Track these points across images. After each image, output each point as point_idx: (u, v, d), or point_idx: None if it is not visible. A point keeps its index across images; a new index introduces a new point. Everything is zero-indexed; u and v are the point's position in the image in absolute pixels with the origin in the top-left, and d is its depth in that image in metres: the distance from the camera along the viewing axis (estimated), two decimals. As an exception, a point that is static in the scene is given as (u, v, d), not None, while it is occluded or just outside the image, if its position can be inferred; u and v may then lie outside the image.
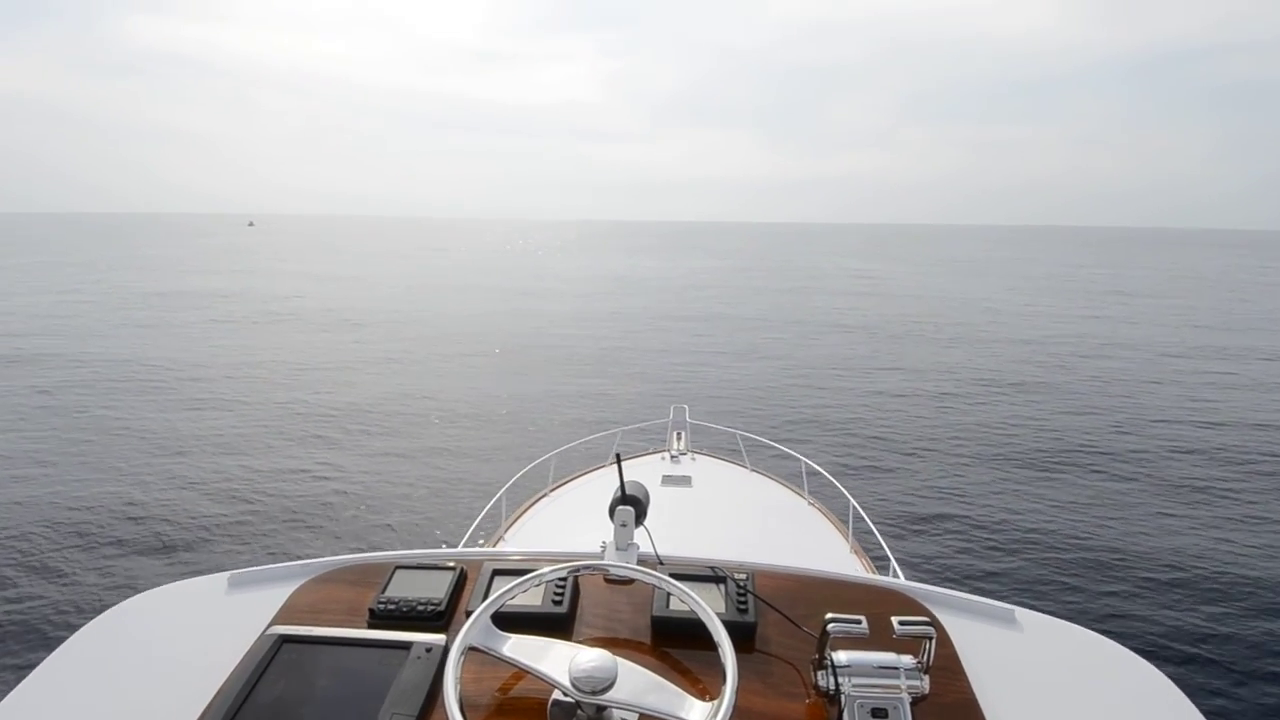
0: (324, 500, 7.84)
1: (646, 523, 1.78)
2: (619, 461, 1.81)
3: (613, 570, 1.47)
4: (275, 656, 1.36)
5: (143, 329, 18.75)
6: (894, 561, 3.11)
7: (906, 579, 2.83)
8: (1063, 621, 1.56)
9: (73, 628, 1.51)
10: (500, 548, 3.36)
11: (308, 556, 1.73)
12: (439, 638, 1.41)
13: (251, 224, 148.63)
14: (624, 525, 1.72)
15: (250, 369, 14.26)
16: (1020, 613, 1.58)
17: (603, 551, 1.73)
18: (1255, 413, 11.47)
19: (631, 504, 1.73)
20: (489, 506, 3.92)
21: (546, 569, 1.44)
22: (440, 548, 3.38)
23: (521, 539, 3.48)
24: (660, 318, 22.86)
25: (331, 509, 7.62)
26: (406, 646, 1.38)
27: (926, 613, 1.55)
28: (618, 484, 1.78)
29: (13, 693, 1.31)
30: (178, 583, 1.68)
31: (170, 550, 6.71)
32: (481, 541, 3.77)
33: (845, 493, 3.90)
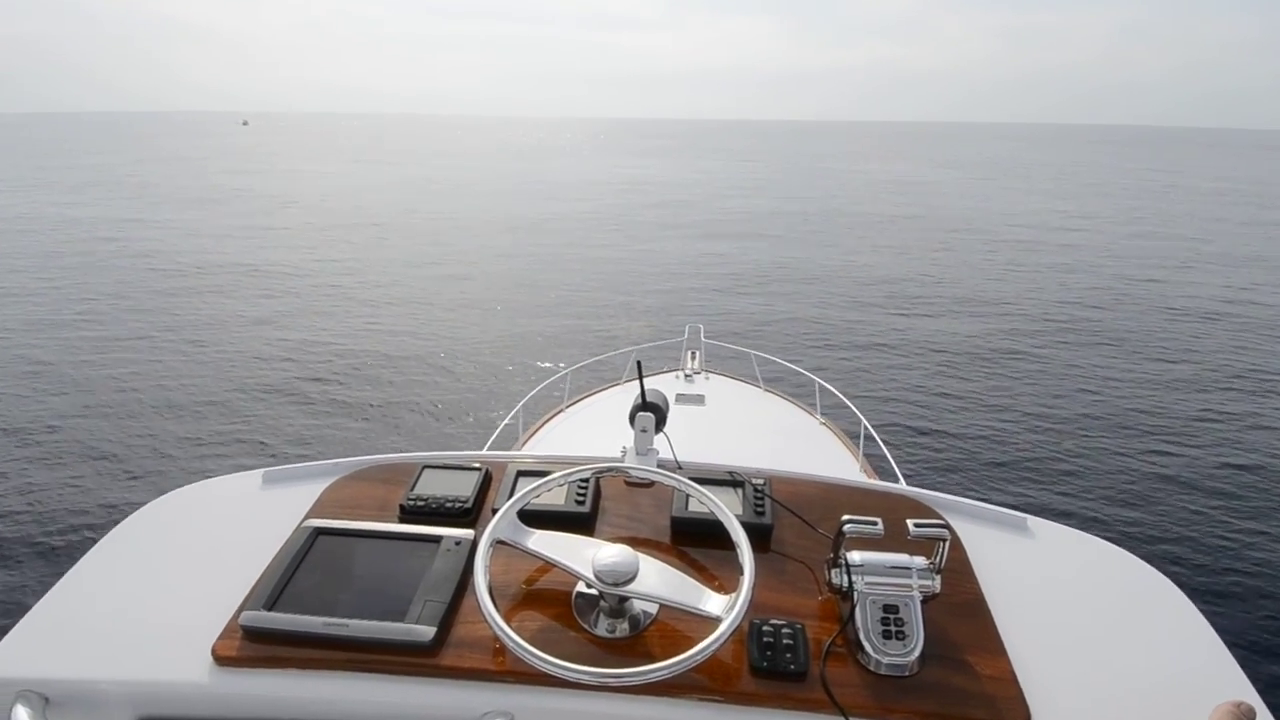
0: (344, 414, 8.01)
1: (665, 430, 1.81)
2: (640, 369, 1.82)
3: (634, 472, 1.50)
4: (312, 546, 1.42)
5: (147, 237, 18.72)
6: (903, 481, 3.15)
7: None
8: (1075, 530, 1.59)
9: (111, 524, 1.57)
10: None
11: (337, 458, 1.77)
12: (467, 532, 1.47)
13: (246, 123, 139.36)
14: (644, 431, 1.75)
15: (266, 280, 14.28)
16: (1033, 521, 1.62)
17: (623, 456, 1.75)
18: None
19: (652, 410, 1.77)
20: (506, 420, 3.99)
21: (570, 470, 1.48)
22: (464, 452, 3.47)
23: (539, 451, 3.52)
24: (676, 229, 22.49)
25: (352, 419, 7.80)
26: (437, 540, 1.44)
27: (940, 518, 1.58)
28: (638, 392, 1.80)
29: (58, 584, 1.39)
30: (214, 479, 1.74)
31: (197, 455, 6.92)
32: (508, 449, 3.85)
33: (858, 413, 3.91)
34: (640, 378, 1.81)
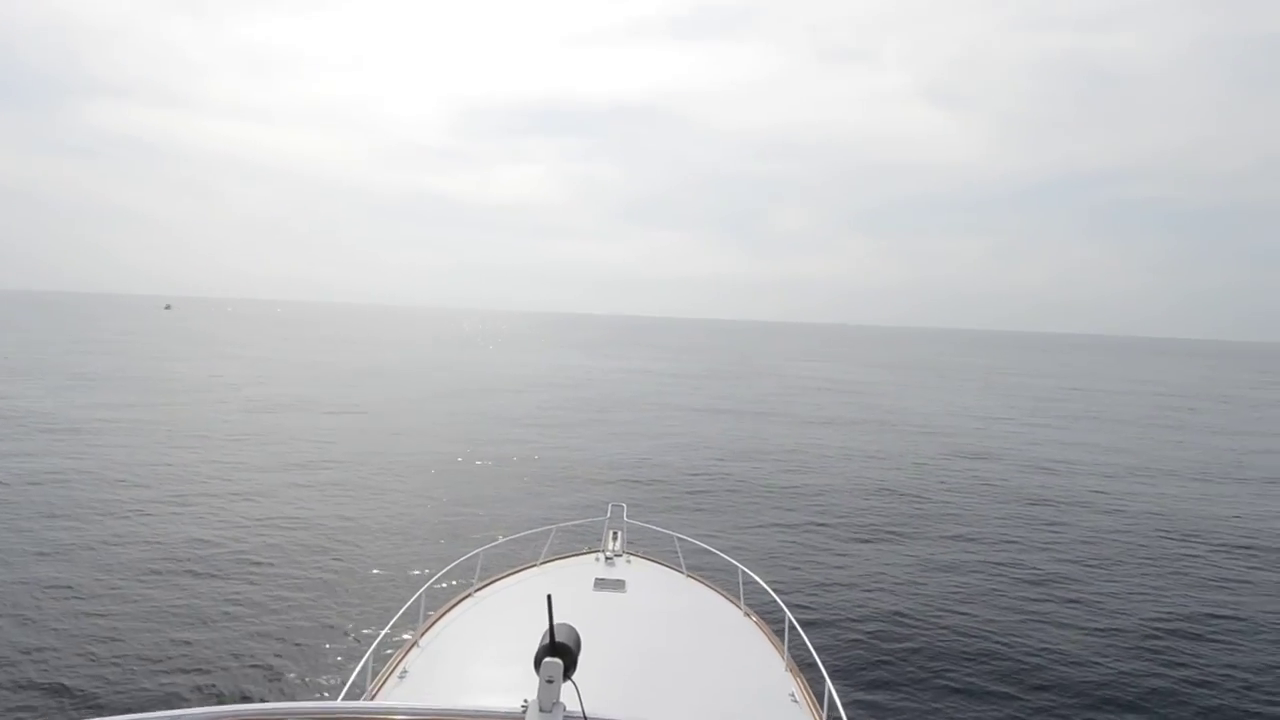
0: (231, 600, 7.11)
1: (574, 677, 1.57)
2: (549, 605, 1.60)
3: None
4: None
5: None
6: (830, 683, 2.89)
7: (842, 701, 2.71)
8: None
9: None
10: (410, 662, 3.08)
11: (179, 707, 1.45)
12: None
13: (168, 307, 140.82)
14: (550, 681, 1.53)
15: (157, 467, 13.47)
16: None
17: (524, 713, 1.52)
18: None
19: (560, 653, 1.55)
20: (407, 605, 3.63)
21: None
22: (351, 674, 3.05)
23: (439, 646, 3.26)
24: (605, 412, 22.64)
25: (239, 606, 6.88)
26: None
27: None
28: (546, 625, 1.58)
29: None
30: None
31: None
32: (407, 636, 3.46)
33: (783, 606, 3.69)
34: (550, 613, 1.58)
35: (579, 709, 1.56)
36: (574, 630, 1.64)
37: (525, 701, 1.57)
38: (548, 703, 1.53)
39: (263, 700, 5.15)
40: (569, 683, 1.58)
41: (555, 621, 1.60)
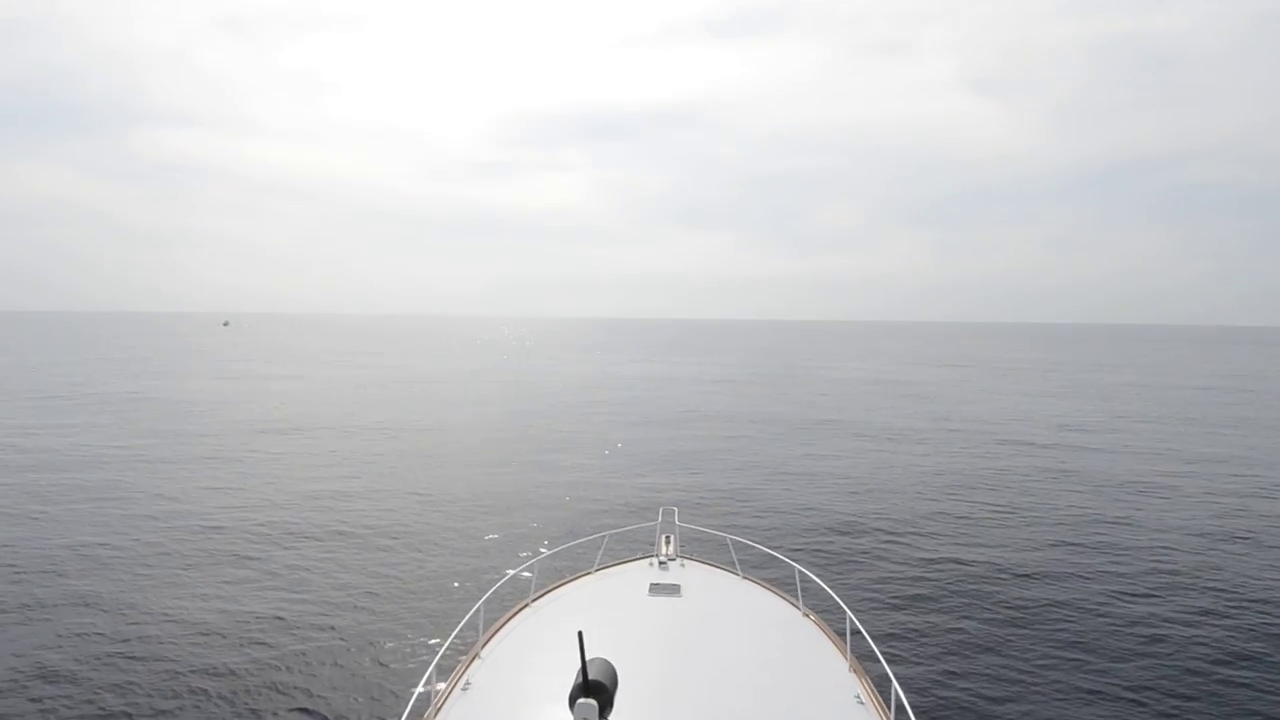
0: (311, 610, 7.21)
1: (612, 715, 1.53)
2: (580, 641, 1.58)
3: None
4: None
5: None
6: (895, 684, 2.84)
7: (909, 701, 2.56)
8: None
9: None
10: (473, 674, 3.13)
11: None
12: None
13: (226, 324, 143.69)
14: None
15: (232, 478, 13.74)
16: None
17: None
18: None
19: (594, 693, 1.51)
20: (467, 616, 3.72)
21: None
22: (416, 686, 3.06)
23: (499, 656, 3.28)
24: (650, 416, 22.47)
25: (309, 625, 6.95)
26: None
27: None
28: (598, 641, 1.57)
29: None
30: None
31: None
32: (469, 647, 3.50)
33: (844, 606, 3.64)
34: (581, 650, 1.56)
35: None
36: (610, 666, 1.60)
37: None
38: None
39: None
40: None
41: (589, 657, 1.59)
